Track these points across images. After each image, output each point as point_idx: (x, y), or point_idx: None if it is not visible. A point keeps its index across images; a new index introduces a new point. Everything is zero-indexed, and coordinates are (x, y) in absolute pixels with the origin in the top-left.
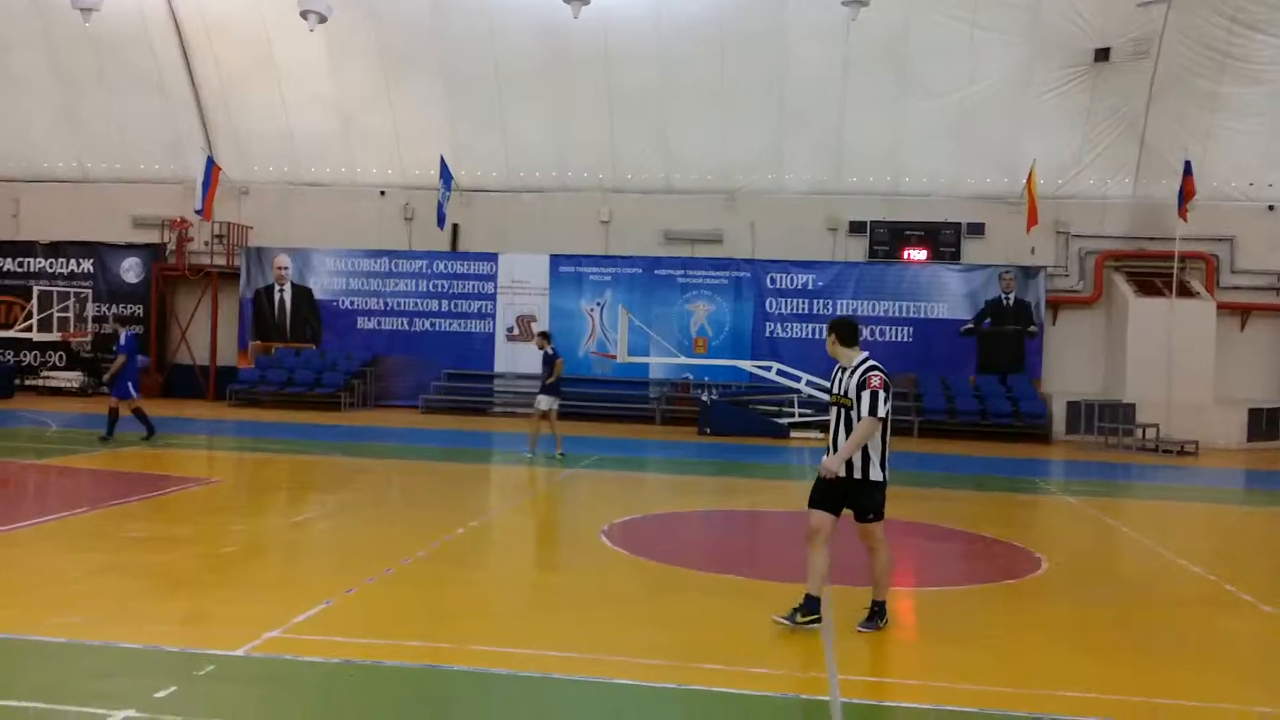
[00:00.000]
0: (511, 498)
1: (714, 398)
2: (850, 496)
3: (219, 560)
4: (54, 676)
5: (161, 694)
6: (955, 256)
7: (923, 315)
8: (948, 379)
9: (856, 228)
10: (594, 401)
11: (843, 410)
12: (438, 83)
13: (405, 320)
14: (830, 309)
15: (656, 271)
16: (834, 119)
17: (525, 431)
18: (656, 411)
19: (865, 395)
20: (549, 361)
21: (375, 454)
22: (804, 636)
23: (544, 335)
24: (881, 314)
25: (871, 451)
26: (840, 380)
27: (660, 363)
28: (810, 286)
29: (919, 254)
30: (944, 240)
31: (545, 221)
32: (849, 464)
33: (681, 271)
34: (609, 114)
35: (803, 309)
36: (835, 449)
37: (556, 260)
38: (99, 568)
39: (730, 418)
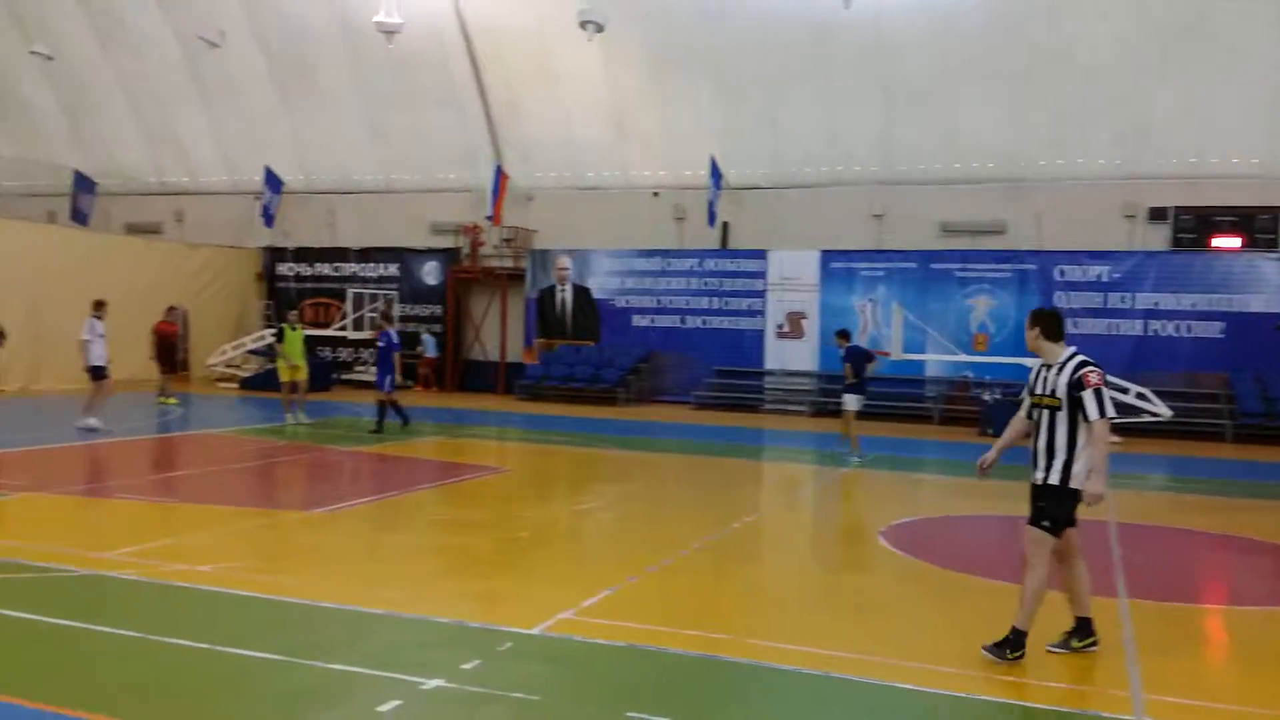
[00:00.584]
0: (786, 495)
1: (997, 397)
2: (1037, 500)
3: (512, 544)
4: (375, 645)
5: (468, 666)
6: (1273, 244)
7: (1235, 309)
8: (1265, 378)
9: (1157, 214)
10: (867, 400)
11: (1048, 412)
12: (707, 83)
13: (677, 318)
14: (1129, 303)
15: (933, 265)
16: (1131, 97)
17: (839, 432)
18: (934, 411)
19: (1088, 396)
20: (851, 360)
21: (651, 448)
22: (1091, 654)
23: (842, 334)
24: (1188, 308)
25: (1073, 454)
26: (1045, 378)
27: (938, 360)
28: (1105, 279)
29: (1230, 241)
30: (1260, 226)
31: (815, 217)
32: (1043, 467)
33: (960, 265)
34: (882, 104)
35: (1096, 303)
36: (1039, 457)
37: (827, 256)
38: (409, 547)
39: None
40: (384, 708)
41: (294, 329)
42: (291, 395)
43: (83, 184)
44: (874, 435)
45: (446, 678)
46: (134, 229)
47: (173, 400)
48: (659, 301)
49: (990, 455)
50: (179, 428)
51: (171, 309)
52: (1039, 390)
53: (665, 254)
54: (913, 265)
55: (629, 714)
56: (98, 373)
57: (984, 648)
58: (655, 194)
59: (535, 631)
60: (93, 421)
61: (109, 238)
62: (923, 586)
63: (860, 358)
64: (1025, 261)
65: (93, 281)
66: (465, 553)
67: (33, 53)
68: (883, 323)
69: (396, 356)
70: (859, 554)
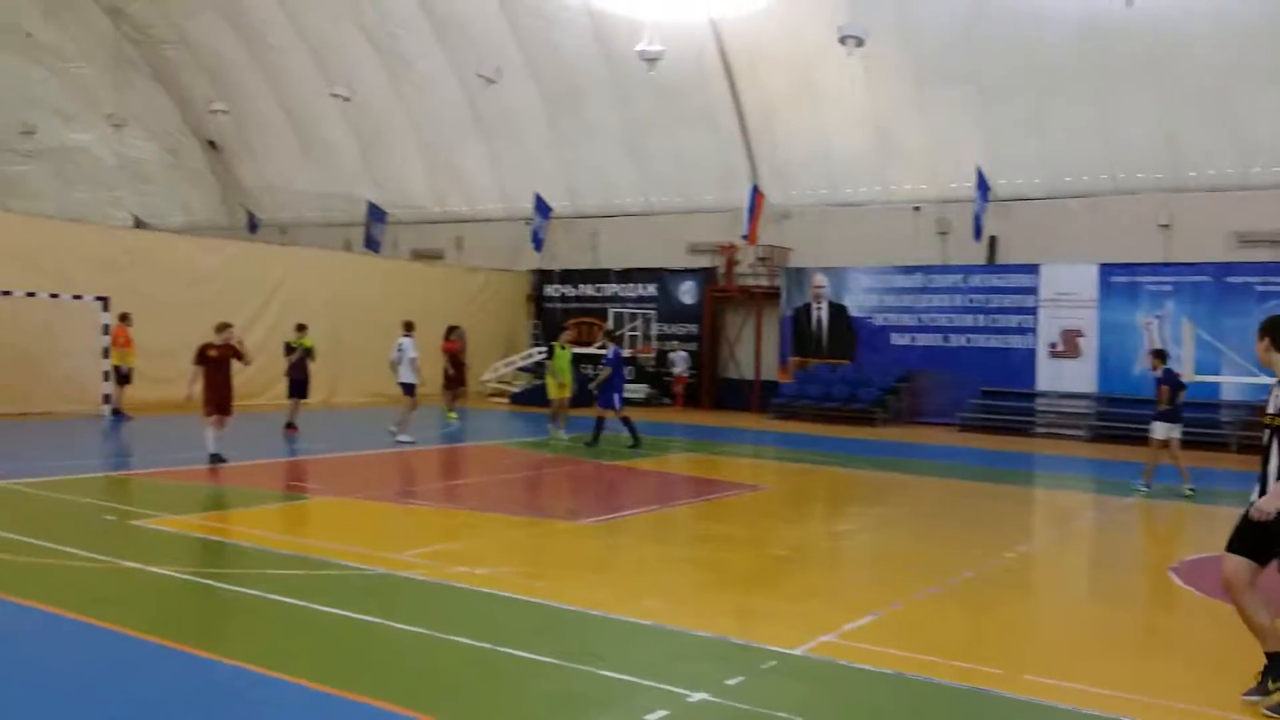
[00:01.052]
0: (1063, 524)
1: None
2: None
3: (771, 562)
4: (641, 654)
5: (731, 682)
6: None
7: None
8: None
9: None
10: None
11: (1271, 434)
12: (971, 91)
13: (940, 336)
14: None
15: (1228, 279)
16: None
17: (1145, 462)
18: (1231, 438)
19: None
20: (1168, 383)
21: (913, 470)
22: None
23: (1158, 354)
24: None
25: None
26: (1276, 395)
27: (1235, 382)
28: None
29: None
30: None
31: (1093, 228)
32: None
33: (1260, 279)
34: (1163, 105)
35: None
36: (1266, 481)
37: (1107, 270)
38: (671, 560)
39: None
40: (651, 717)
41: (564, 348)
42: (557, 410)
43: (375, 214)
44: (1166, 464)
45: (712, 692)
46: (419, 255)
47: (453, 415)
48: (920, 319)
49: None
50: (458, 440)
51: (453, 329)
52: (1270, 409)
53: (927, 270)
54: (1205, 279)
55: None
56: (408, 389)
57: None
58: (916, 208)
59: (798, 652)
60: (404, 437)
61: (398, 263)
62: (1218, 627)
63: (1176, 382)
64: None
65: (385, 303)
66: (725, 568)
67: (333, 95)
68: (1170, 341)
69: (607, 372)
70: (1146, 589)
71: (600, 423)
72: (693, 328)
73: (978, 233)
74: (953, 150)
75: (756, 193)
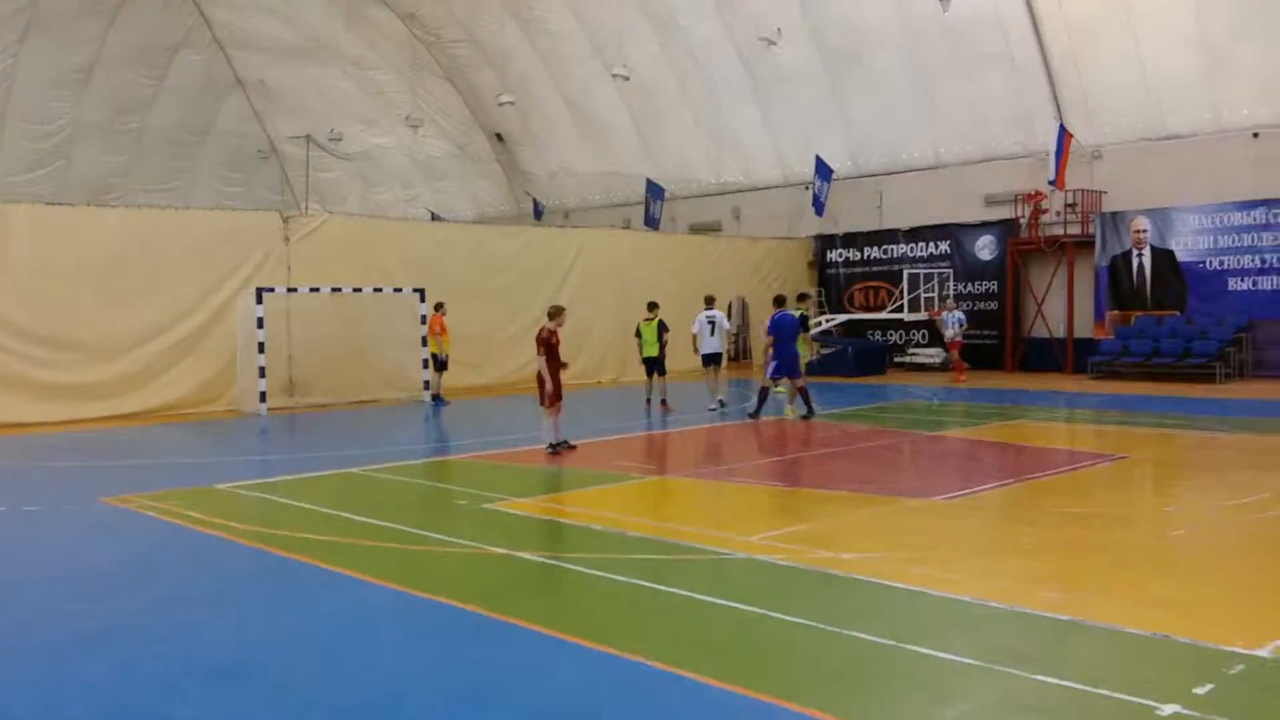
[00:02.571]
0: None
1: None
2: None
3: (1170, 543)
4: (1076, 656)
5: (1200, 691)
6: None
7: None
8: None
9: None
10: None
11: None
12: None
13: None
14: None
15: None
16: None
17: None
18: None
19: None
20: None
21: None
22: None
23: None
24: None
25: None
26: None
27: None
28: None
29: None
30: None
31: None
32: None
33: None
34: None
35: None
36: None
37: None
38: (1052, 543)
39: None
40: None
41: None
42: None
43: (654, 191)
44: None
45: (1183, 703)
46: (696, 229)
47: (780, 389)
48: (1263, 261)
49: None
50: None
51: (804, 296)
52: None
53: (1271, 205)
54: None
55: None
56: (709, 360)
57: None
58: (1255, 135)
59: (1265, 654)
60: (713, 405)
61: (681, 238)
62: None
63: None
64: None
65: (671, 279)
66: (1120, 552)
67: (614, 75)
68: None
69: (804, 338)
70: None
71: (762, 393)
72: (993, 285)
73: None
74: None
75: (1064, 133)
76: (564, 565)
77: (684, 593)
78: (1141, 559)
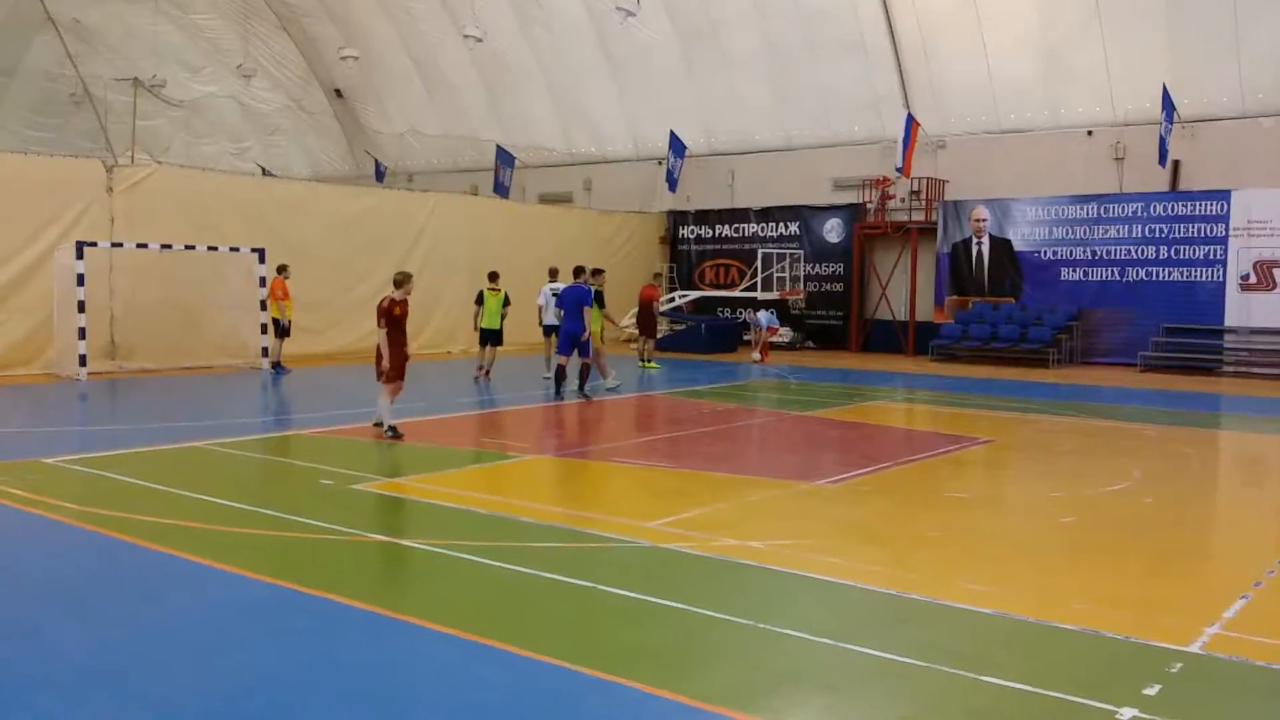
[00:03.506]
0: None
1: None
2: None
3: (1065, 531)
4: (1011, 654)
5: (1150, 693)
6: None
7: None
8: None
9: None
10: None
11: None
12: (1157, 3)
13: (1115, 270)
14: None
15: None
16: None
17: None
18: None
19: None
20: None
21: (1139, 418)
22: None
23: None
24: None
25: None
26: None
27: None
28: None
29: None
30: None
31: None
32: None
33: None
34: None
35: None
36: None
37: None
38: (955, 528)
39: None
40: None
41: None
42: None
43: (503, 158)
44: None
45: (1139, 707)
46: (546, 199)
47: (654, 365)
48: (1093, 253)
49: None
50: (643, 389)
51: (657, 275)
52: None
53: (1102, 200)
54: None
55: None
56: (548, 331)
57: None
58: (1089, 133)
59: (1195, 649)
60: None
61: (533, 207)
62: None
63: None
64: None
65: (524, 249)
66: (1019, 540)
67: (466, 36)
68: None
69: (588, 312)
70: None
71: (585, 369)
72: (839, 267)
73: (1163, 157)
74: (1132, 70)
75: (912, 121)
76: (453, 554)
77: (595, 585)
78: (1045, 548)
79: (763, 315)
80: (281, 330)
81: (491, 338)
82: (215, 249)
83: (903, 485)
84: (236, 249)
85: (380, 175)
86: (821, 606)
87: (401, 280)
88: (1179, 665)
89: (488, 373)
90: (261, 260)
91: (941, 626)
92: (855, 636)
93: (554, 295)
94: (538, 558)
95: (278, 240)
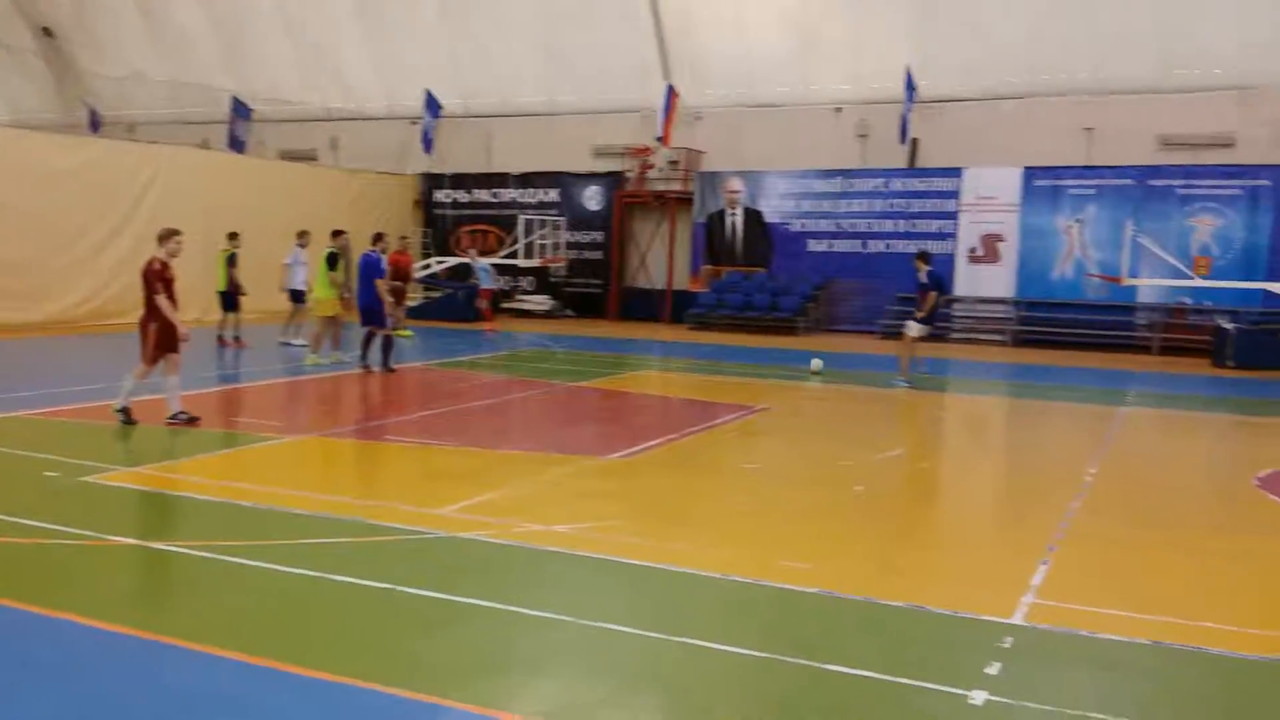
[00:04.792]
0: (1105, 442)
1: (1240, 326)
2: None
3: (861, 501)
4: (855, 640)
5: (992, 671)
6: None
7: None
8: None
9: None
10: (1067, 328)
11: None
12: None
13: (859, 242)
14: None
15: (1150, 182)
16: None
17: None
18: (1153, 341)
19: None
20: (933, 288)
21: (884, 384)
22: None
23: (922, 256)
24: None
25: None
26: None
27: (1152, 285)
28: None
29: None
30: None
31: (1017, 131)
32: None
33: (1182, 182)
34: (1092, 7)
35: None
36: None
37: (1030, 173)
38: (759, 503)
39: (1260, 348)
40: None
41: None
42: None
43: (239, 110)
44: (1100, 367)
45: (988, 689)
46: (288, 155)
47: (408, 333)
48: (839, 225)
49: None
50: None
51: (404, 238)
52: None
53: (847, 174)
54: (1128, 182)
55: None
56: (296, 296)
57: None
58: (838, 110)
59: (1018, 621)
60: (299, 341)
61: (275, 164)
62: None
63: (941, 287)
64: (1259, 177)
65: (258, 209)
66: (822, 512)
67: None
68: (1091, 245)
69: (380, 284)
70: (1252, 511)
71: (386, 341)
72: (599, 235)
73: (904, 135)
74: (879, 50)
75: (671, 92)
76: (219, 558)
77: (393, 587)
78: (849, 521)
79: (482, 270)
80: None
81: (223, 301)
82: None
83: (694, 457)
84: None
85: (95, 125)
86: (643, 596)
87: (166, 236)
88: (1010, 640)
89: (236, 339)
90: None
91: (772, 611)
92: (688, 629)
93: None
94: (322, 557)
95: None
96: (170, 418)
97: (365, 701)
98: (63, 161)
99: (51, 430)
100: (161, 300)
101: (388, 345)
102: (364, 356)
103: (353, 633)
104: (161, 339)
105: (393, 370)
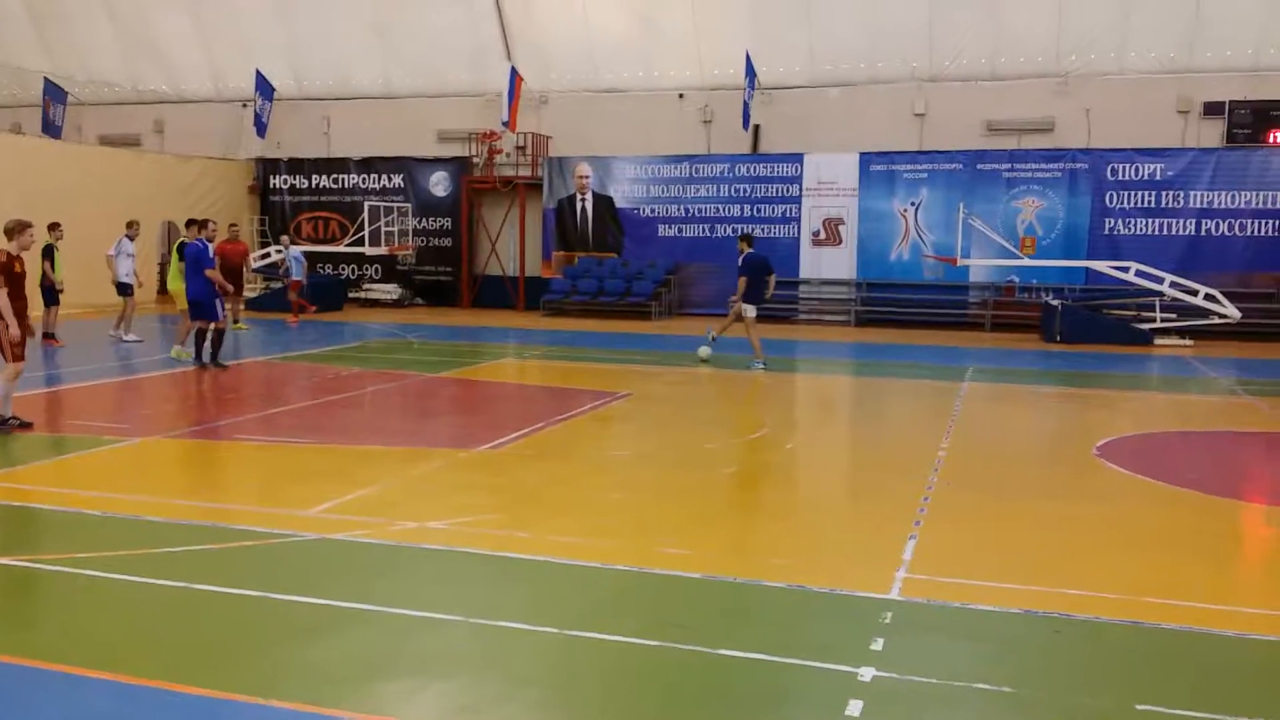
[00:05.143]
0: (952, 417)
1: (1065, 302)
2: None
3: (733, 482)
4: (740, 620)
5: (876, 647)
6: None
7: None
8: None
9: (1212, 109)
10: (906, 308)
11: None
12: None
13: (706, 227)
14: (1182, 201)
15: (979, 166)
16: None
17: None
18: (986, 318)
19: None
20: (744, 271)
21: (737, 365)
22: None
23: (745, 239)
24: (1242, 205)
25: None
26: None
27: (982, 265)
28: (1158, 177)
29: None
30: None
31: (853, 118)
32: None
33: (1007, 165)
34: None
35: (1149, 202)
36: None
37: (867, 158)
38: (635, 490)
39: (1084, 324)
40: (851, 710)
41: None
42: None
43: (54, 93)
44: (939, 344)
45: (875, 665)
46: (108, 141)
47: (243, 326)
48: (687, 210)
49: None
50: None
51: (233, 226)
52: None
53: (693, 160)
54: (958, 166)
55: (1138, 706)
56: (124, 289)
57: None
58: (681, 96)
59: (895, 596)
60: (130, 336)
61: (98, 150)
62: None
63: (761, 268)
64: (1076, 160)
65: (81, 197)
66: (697, 496)
67: None
68: (925, 227)
69: (212, 274)
70: (1082, 476)
71: (215, 335)
72: (447, 221)
73: (746, 121)
74: (720, 37)
75: (515, 75)
76: (78, 572)
77: (265, 595)
78: (722, 503)
79: (294, 259)
80: None
81: (43, 294)
82: None
83: (564, 445)
84: None
85: None
86: (528, 590)
87: (15, 229)
88: (889, 615)
89: (48, 335)
90: None
91: (657, 598)
92: (581, 621)
93: (129, 252)
94: (184, 566)
95: None
96: (10, 420)
97: (253, 717)
98: None
99: None
100: (2, 298)
101: (218, 339)
102: (198, 354)
103: (230, 644)
104: (19, 335)
105: (224, 367)
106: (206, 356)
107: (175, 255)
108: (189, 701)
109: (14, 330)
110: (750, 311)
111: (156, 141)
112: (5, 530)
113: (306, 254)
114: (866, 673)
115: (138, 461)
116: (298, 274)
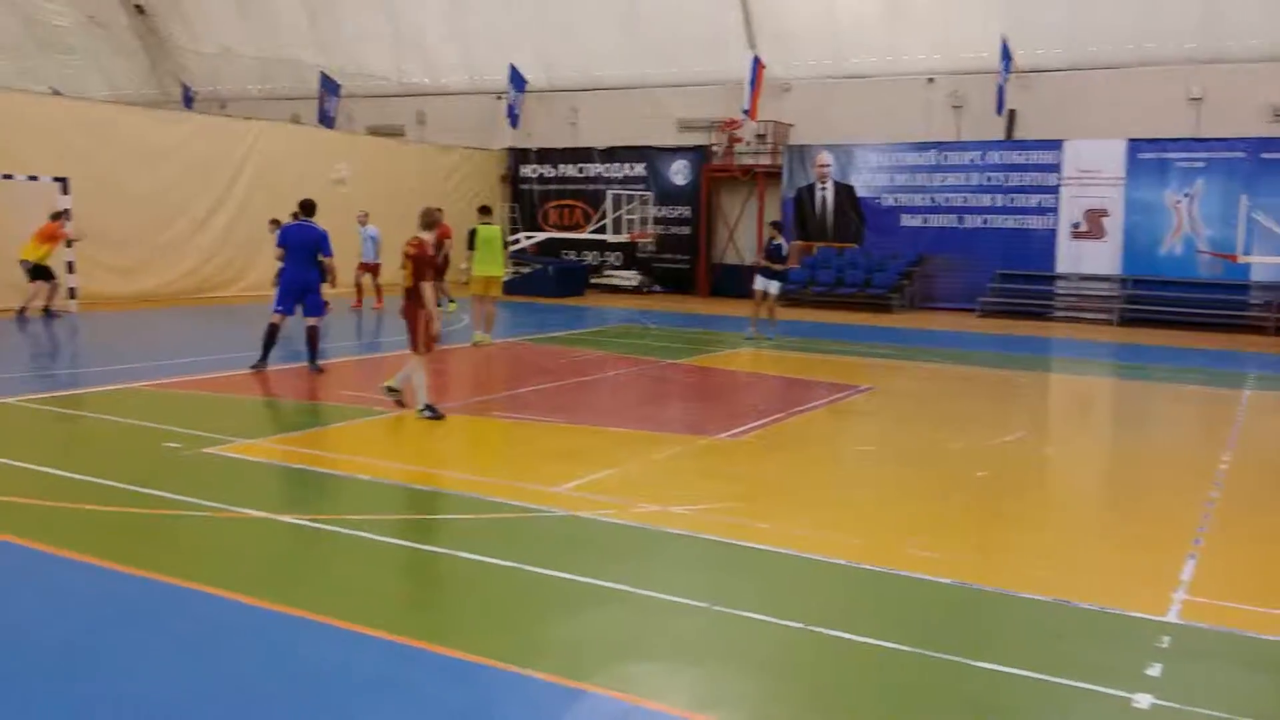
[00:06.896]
0: (1234, 427)
1: None
2: None
3: (982, 486)
4: (995, 634)
5: (1153, 673)
6: None
7: None
8: None
9: None
10: (1177, 307)
11: None
12: None
13: (954, 217)
14: None
15: (1264, 155)
16: None
17: (764, 316)
18: (1270, 321)
19: None
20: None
21: (1002, 364)
22: None
23: (775, 225)
24: None
25: None
26: None
27: (1273, 263)
28: None
29: None
30: None
31: (1121, 101)
32: None
33: None
34: None
35: None
36: None
37: (1135, 145)
38: (881, 486)
39: None
40: None
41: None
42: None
43: (328, 86)
44: (1241, 351)
45: (1152, 692)
46: (376, 131)
47: (454, 305)
48: (933, 199)
49: None
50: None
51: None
52: None
53: (941, 147)
54: (1240, 155)
55: None
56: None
57: None
58: (930, 80)
59: (1172, 619)
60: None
61: (369, 140)
62: None
63: (777, 255)
64: None
65: (357, 184)
66: (943, 496)
67: None
68: (1200, 220)
69: (327, 263)
70: None
71: (269, 330)
72: (686, 210)
73: (1000, 106)
74: (971, 18)
75: (757, 63)
76: (346, 531)
77: (519, 566)
78: (970, 505)
79: (370, 238)
80: (41, 273)
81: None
82: (10, 177)
83: (804, 437)
84: (35, 178)
85: (189, 101)
86: (773, 582)
87: (432, 221)
88: (1167, 639)
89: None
90: (65, 191)
91: (908, 602)
92: (823, 619)
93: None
94: (448, 533)
95: (81, 169)
96: (390, 389)
97: (507, 683)
98: (161, 138)
99: (165, 402)
100: (426, 290)
101: (314, 337)
102: (265, 351)
103: (488, 611)
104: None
105: (320, 370)
106: (306, 357)
107: (465, 244)
108: (453, 664)
109: (436, 325)
110: (774, 288)
111: (418, 132)
112: (290, 490)
113: (552, 240)
114: (1143, 699)
115: (400, 433)
116: (369, 255)
